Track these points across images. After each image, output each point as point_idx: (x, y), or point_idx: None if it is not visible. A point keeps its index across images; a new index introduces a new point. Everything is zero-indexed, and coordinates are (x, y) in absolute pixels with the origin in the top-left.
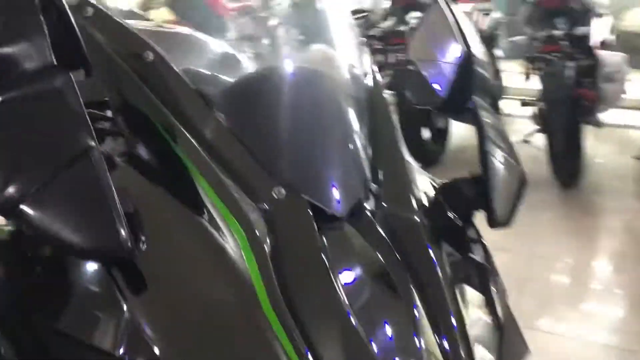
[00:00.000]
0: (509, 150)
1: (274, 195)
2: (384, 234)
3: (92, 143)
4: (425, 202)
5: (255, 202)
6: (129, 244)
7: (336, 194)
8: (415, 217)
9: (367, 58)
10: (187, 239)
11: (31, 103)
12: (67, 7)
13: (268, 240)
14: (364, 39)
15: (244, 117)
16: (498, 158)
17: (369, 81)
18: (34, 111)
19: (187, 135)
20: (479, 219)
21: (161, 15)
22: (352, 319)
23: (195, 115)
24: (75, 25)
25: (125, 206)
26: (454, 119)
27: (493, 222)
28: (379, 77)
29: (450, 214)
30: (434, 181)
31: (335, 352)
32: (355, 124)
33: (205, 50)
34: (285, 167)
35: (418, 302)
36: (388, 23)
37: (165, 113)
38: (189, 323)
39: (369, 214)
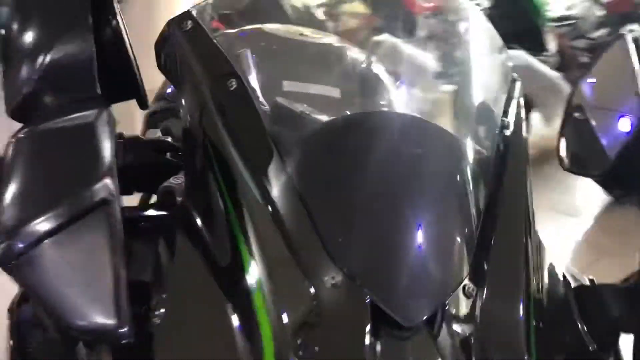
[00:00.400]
0: None
1: (328, 281)
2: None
3: (112, 195)
4: (547, 301)
5: (302, 286)
6: (125, 328)
7: (410, 297)
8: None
9: (518, 106)
10: (208, 319)
11: (60, 138)
12: (124, 33)
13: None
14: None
15: (316, 175)
16: None
17: (511, 138)
18: (62, 146)
19: (248, 187)
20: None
21: (353, 9)
22: None
23: (261, 165)
24: (131, 54)
25: (142, 273)
26: (615, 196)
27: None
28: (525, 132)
29: (582, 330)
30: (574, 276)
31: None
32: (465, 203)
33: (323, 74)
34: (351, 249)
35: None
36: (599, 34)
37: (230, 158)
38: None
39: (454, 324)
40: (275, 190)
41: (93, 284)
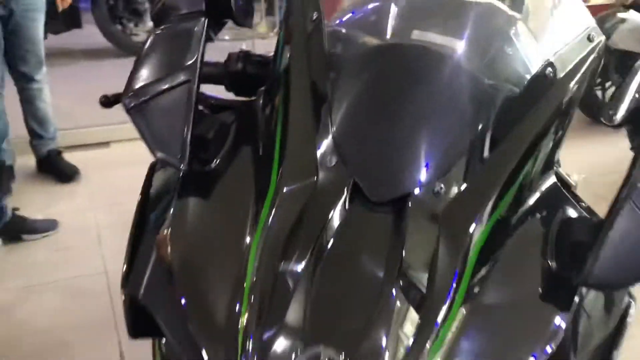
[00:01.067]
0: None
1: (328, 163)
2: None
3: (191, 78)
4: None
5: (310, 163)
6: (184, 162)
7: (380, 179)
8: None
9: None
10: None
11: (166, 41)
12: None
13: (297, 200)
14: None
15: (346, 82)
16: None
17: (549, 83)
18: (167, 44)
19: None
20: None
21: None
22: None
23: (314, 70)
24: None
25: (208, 130)
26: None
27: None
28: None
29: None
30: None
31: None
32: (460, 125)
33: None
34: (348, 142)
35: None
36: None
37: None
38: (197, 232)
39: (411, 212)
40: (312, 101)
41: (170, 129)
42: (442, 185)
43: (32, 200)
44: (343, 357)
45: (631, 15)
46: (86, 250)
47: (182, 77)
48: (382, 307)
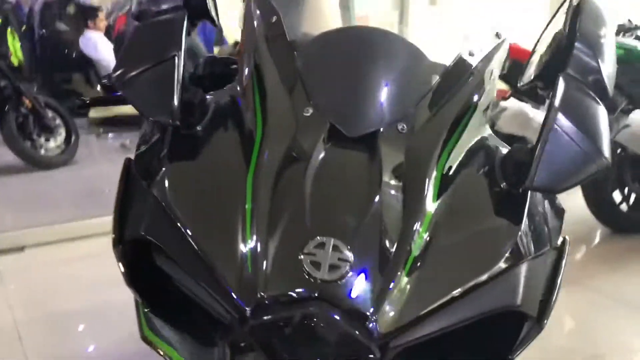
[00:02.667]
0: (596, 134)
1: (304, 112)
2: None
3: (178, 52)
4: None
5: (288, 119)
6: (177, 119)
7: (353, 118)
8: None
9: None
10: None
11: (150, 29)
12: None
13: (282, 142)
14: None
15: (312, 55)
16: (566, 130)
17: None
18: (151, 33)
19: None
20: None
21: None
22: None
23: (279, 62)
24: None
25: (194, 97)
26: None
27: (530, 185)
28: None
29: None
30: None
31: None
32: (413, 79)
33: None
34: (321, 91)
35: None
36: None
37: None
38: (193, 172)
39: (382, 144)
40: (283, 70)
41: (160, 95)
42: (404, 125)
43: None
44: (345, 243)
45: (511, 102)
46: (6, 347)
47: (168, 54)
48: (370, 208)
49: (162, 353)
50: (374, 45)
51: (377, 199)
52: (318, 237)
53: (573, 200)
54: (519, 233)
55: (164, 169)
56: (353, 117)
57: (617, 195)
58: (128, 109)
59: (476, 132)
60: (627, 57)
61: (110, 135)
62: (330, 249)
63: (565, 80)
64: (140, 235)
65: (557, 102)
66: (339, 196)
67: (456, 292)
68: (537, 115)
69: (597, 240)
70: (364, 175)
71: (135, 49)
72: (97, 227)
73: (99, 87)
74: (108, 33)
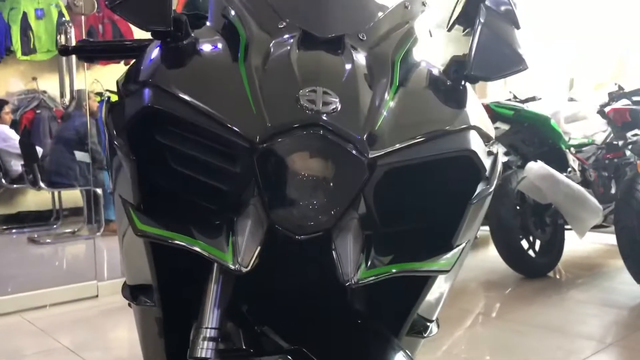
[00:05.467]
0: (516, 45)
1: (279, 25)
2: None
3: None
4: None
5: (266, 31)
6: (170, 26)
7: (323, 25)
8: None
9: None
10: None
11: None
12: None
13: (264, 42)
14: None
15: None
16: (493, 34)
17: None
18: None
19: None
20: None
21: None
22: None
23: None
24: None
25: (179, 16)
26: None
27: (469, 73)
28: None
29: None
30: None
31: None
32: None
33: None
34: (294, 12)
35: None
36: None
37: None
38: (197, 75)
39: (350, 49)
40: (252, 2)
41: (152, 7)
42: (365, 35)
43: None
44: (332, 90)
45: (537, 165)
46: None
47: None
48: (348, 70)
49: (166, 240)
50: None
51: (351, 65)
52: (310, 85)
53: (488, 252)
54: (465, 109)
55: (159, 65)
56: (321, 23)
57: (525, 243)
58: (32, 204)
59: (418, 53)
60: (516, 116)
61: (14, 231)
62: (322, 92)
63: (486, 7)
64: (146, 109)
65: (482, 19)
66: (321, 63)
67: (425, 131)
68: (565, 179)
69: (511, 284)
70: (338, 56)
71: None
72: None
73: (3, 180)
74: (14, 127)
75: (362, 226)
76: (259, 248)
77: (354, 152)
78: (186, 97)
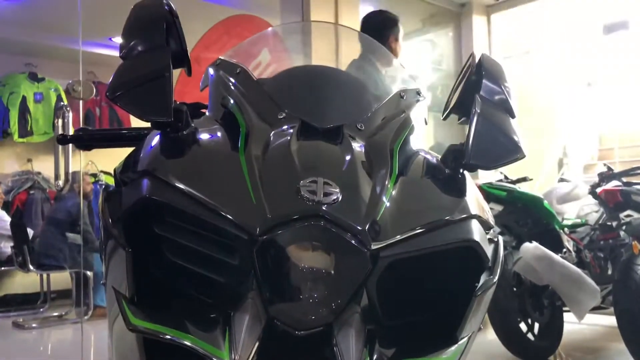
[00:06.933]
0: (513, 134)
1: (278, 116)
2: (353, 153)
3: (167, 72)
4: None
5: (265, 121)
6: (171, 117)
7: (321, 116)
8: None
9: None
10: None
11: (139, 61)
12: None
13: (264, 132)
14: None
15: (277, 82)
16: (490, 124)
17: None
18: (140, 63)
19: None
20: None
21: None
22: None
23: (247, 86)
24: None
25: (180, 106)
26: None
27: (467, 162)
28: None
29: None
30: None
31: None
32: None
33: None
34: (293, 104)
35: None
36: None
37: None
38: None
39: (349, 138)
40: (252, 95)
41: (153, 98)
42: (363, 125)
43: None
44: (333, 181)
45: (532, 247)
46: None
47: (159, 73)
48: (348, 162)
49: (159, 335)
50: (331, 71)
51: (350, 155)
52: (311, 176)
53: (487, 336)
54: (465, 197)
55: (158, 155)
56: (320, 114)
57: (523, 326)
58: (19, 286)
59: (415, 141)
60: (509, 197)
61: None
62: (322, 183)
63: (481, 97)
64: (145, 200)
65: (478, 109)
66: (321, 153)
67: (426, 221)
68: (561, 260)
69: None
70: (337, 146)
71: (126, 72)
72: None
73: None
74: (6, 208)
75: (365, 320)
76: (257, 344)
77: (356, 243)
78: (185, 188)
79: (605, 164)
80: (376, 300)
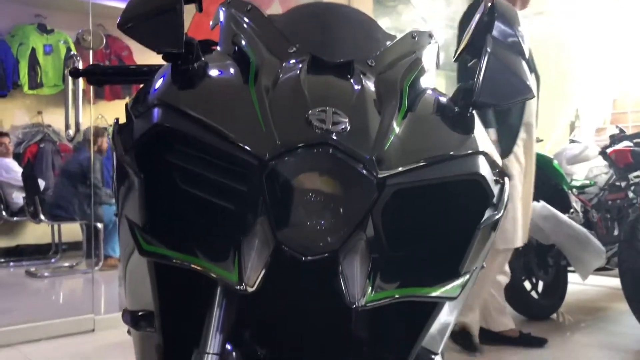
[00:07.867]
0: (522, 74)
1: (289, 50)
2: (365, 87)
3: (179, 4)
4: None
5: (276, 56)
6: (182, 48)
7: (332, 51)
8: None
9: None
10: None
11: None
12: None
13: (274, 66)
14: None
15: (287, 18)
16: (500, 63)
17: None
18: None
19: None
20: None
21: None
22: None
23: (257, 22)
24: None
25: (190, 39)
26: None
27: (477, 100)
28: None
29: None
30: None
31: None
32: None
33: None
34: (303, 39)
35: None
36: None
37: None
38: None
39: (359, 73)
40: (263, 30)
41: (163, 28)
42: (373, 61)
43: None
44: (342, 110)
45: (540, 206)
46: None
47: (171, 5)
48: (357, 93)
49: (171, 259)
50: (343, 8)
51: (360, 88)
52: (320, 106)
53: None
54: (473, 134)
55: (169, 85)
56: (331, 49)
57: (527, 284)
58: (31, 237)
59: (425, 81)
60: None
61: (12, 264)
62: (332, 112)
63: (493, 37)
64: (157, 128)
65: (490, 48)
66: (330, 85)
67: (433, 154)
68: (568, 220)
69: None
70: (347, 80)
71: (138, 5)
72: None
73: (3, 213)
74: (17, 160)
75: (370, 249)
76: (264, 269)
77: (363, 171)
78: (196, 115)
79: (617, 126)
80: (381, 229)
